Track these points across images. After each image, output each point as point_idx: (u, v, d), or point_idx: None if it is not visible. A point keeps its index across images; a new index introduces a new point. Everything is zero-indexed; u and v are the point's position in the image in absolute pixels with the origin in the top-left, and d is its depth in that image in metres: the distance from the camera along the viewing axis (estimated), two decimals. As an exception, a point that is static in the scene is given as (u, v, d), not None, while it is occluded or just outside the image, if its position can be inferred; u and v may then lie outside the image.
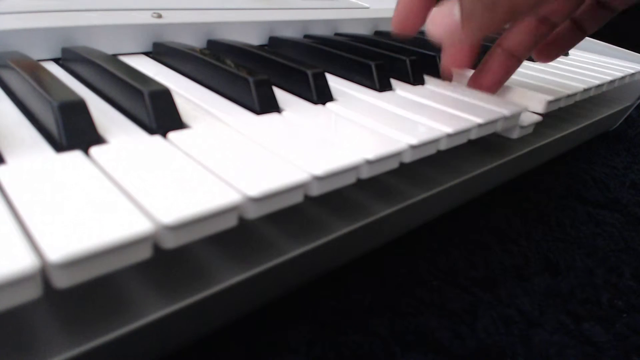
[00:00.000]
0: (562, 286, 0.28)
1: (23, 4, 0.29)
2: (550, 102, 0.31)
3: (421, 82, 0.32)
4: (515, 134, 0.29)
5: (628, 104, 0.53)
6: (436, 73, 0.34)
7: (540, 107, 0.31)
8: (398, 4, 0.27)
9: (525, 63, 0.43)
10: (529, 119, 0.29)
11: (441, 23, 0.21)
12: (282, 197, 0.17)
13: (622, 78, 0.43)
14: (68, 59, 0.27)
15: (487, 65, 0.30)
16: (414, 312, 0.25)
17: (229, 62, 0.26)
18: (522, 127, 0.29)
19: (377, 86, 0.29)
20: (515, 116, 0.28)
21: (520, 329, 0.25)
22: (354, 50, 0.34)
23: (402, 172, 0.23)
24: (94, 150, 0.17)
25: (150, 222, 0.14)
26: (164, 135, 0.19)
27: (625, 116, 0.56)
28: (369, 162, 0.20)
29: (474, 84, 0.30)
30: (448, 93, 0.30)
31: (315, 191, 0.18)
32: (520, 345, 0.23)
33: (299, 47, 0.35)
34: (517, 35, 0.28)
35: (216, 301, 0.18)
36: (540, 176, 0.42)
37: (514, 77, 0.36)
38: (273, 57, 0.28)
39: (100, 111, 0.21)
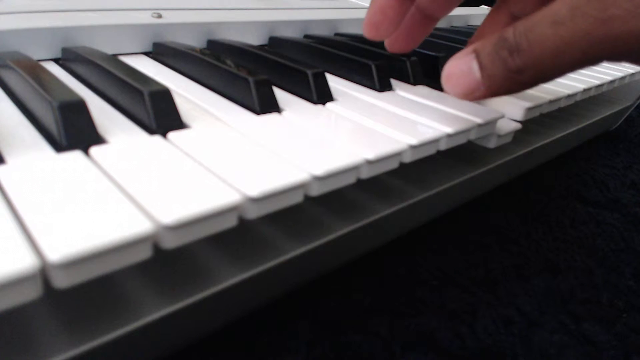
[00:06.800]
0: (562, 286, 0.28)
1: (23, 4, 0.29)
2: (551, 102, 0.31)
3: (421, 82, 0.32)
4: (492, 143, 0.27)
5: (628, 104, 0.53)
6: (436, 73, 0.34)
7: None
8: (370, 7, 0.25)
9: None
10: (507, 126, 0.28)
11: (459, 82, 0.20)
12: (282, 197, 0.17)
13: (622, 78, 0.43)
14: (68, 59, 0.27)
15: (407, 27, 0.27)
16: (414, 312, 0.25)
17: (229, 62, 0.26)
18: (500, 136, 0.27)
19: (377, 86, 0.29)
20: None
21: (520, 329, 0.25)
22: (354, 50, 0.34)
23: (402, 172, 0.23)
24: (94, 150, 0.17)
25: (150, 222, 0.14)
26: (164, 135, 0.19)
27: (625, 116, 0.56)
28: (369, 162, 0.20)
29: (392, 46, 0.28)
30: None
31: (315, 191, 0.18)
32: (520, 345, 0.23)
33: (299, 47, 0.35)
34: None
35: (216, 301, 0.18)
36: (540, 176, 0.42)
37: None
38: (273, 57, 0.28)
39: (100, 111, 0.21)
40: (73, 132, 0.18)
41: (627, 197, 0.41)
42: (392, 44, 0.28)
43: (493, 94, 0.19)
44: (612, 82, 0.40)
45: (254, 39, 0.36)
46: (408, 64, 0.31)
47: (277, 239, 0.21)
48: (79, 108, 0.18)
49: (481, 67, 0.19)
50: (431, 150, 0.23)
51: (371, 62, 0.29)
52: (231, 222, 0.16)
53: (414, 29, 0.27)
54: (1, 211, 0.13)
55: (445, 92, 0.21)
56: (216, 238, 0.16)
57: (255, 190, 0.16)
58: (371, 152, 0.20)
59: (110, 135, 0.19)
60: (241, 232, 0.20)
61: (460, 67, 0.20)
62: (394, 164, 0.21)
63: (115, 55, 0.28)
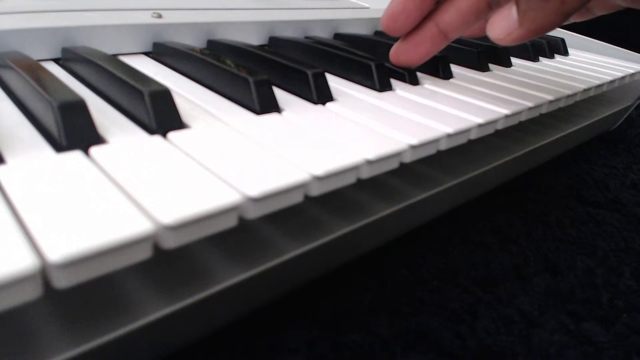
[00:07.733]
0: (562, 286, 0.28)
1: (23, 4, 0.29)
2: (550, 102, 0.31)
3: (421, 82, 0.32)
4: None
5: (628, 104, 0.53)
6: (436, 73, 0.34)
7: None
8: (392, 2, 0.27)
9: (525, 63, 0.43)
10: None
11: (498, 25, 0.23)
12: (282, 197, 0.17)
13: (622, 78, 0.43)
14: (68, 59, 0.27)
15: (418, 39, 0.28)
16: (414, 312, 0.25)
17: (229, 62, 0.26)
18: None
19: (377, 86, 0.29)
20: (516, 115, 0.28)
21: (520, 329, 0.25)
22: (354, 50, 0.34)
23: (402, 172, 0.23)
24: (94, 150, 0.17)
25: (150, 222, 0.14)
26: (164, 135, 0.19)
27: (625, 116, 0.56)
28: (369, 162, 0.20)
29: (398, 57, 0.30)
30: (448, 93, 0.30)
31: (315, 191, 0.18)
32: (520, 345, 0.23)
33: (299, 47, 0.35)
34: (453, 14, 0.27)
35: (216, 301, 0.18)
36: (540, 176, 0.42)
37: (513, 76, 0.36)
38: (273, 57, 0.28)
39: (100, 111, 0.21)
40: (73, 132, 0.18)
41: (627, 197, 0.41)
42: (399, 56, 0.29)
43: (527, 31, 0.22)
44: (612, 82, 0.40)
45: (254, 39, 0.36)
46: (408, 64, 0.31)
47: (277, 239, 0.21)
48: (79, 108, 0.18)
49: (518, 8, 0.21)
50: (431, 150, 0.23)
51: (371, 62, 0.29)
52: (231, 222, 0.16)
53: (425, 45, 0.28)
54: (1, 211, 0.13)
55: (489, 36, 0.24)
56: (216, 238, 0.16)
57: (255, 190, 0.16)
58: (371, 152, 0.20)
59: (110, 135, 0.19)
60: (241, 232, 0.20)
61: (501, 13, 0.22)
62: (394, 164, 0.21)
63: (115, 55, 0.28)
